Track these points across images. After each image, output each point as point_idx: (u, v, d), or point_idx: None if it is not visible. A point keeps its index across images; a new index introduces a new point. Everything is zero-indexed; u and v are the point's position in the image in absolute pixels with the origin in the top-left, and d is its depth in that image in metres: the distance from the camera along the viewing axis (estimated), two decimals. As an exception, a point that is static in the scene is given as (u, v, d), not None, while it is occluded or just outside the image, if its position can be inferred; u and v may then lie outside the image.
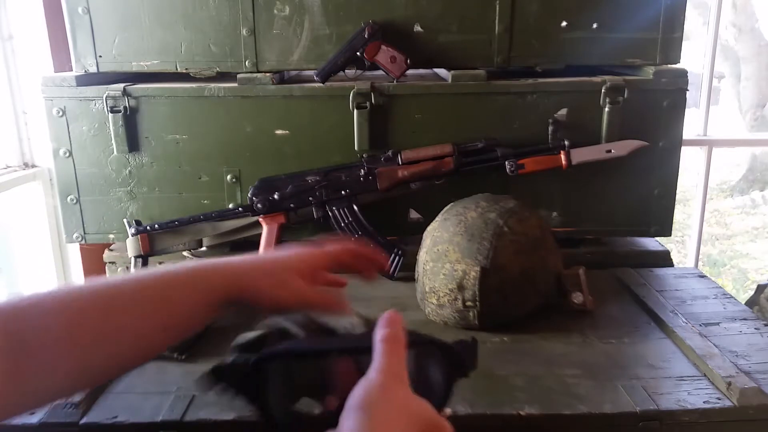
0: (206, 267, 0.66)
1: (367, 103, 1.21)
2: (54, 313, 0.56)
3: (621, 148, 1.21)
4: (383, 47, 1.21)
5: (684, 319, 1.01)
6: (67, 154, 1.25)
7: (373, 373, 0.55)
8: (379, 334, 0.56)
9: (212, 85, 1.23)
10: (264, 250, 1.19)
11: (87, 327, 0.57)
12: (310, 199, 1.19)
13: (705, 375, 0.86)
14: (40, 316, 0.55)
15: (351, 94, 1.21)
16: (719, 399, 0.81)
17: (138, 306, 0.60)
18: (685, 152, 1.32)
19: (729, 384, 0.81)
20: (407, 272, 1.15)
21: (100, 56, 1.25)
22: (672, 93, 1.23)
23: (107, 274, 1.31)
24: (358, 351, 0.58)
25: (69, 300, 0.58)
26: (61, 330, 0.55)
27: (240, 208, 1.20)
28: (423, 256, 1.06)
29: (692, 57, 1.99)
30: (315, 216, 1.20)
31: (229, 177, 1.27)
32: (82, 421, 0.78)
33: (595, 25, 1.23)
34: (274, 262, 0.68)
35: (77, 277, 1.51)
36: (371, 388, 0.54)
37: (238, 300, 0.65)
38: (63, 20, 1.23)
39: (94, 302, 0.59)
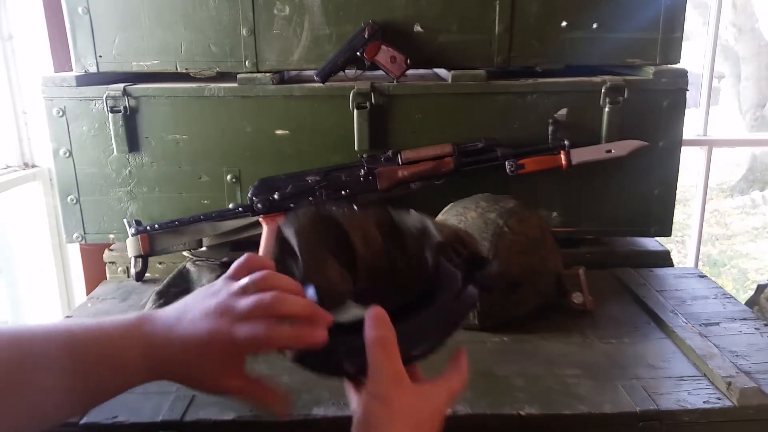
0: (125, 335, 0.58)
1: (367, 103, 1.21)
2: None
3: (621, 148, 1.21)
4: (383, 47, 1.21)
5: (684, 319, 1.01)
6: (67, 154, 1.25)
7: (370, 385, 0.55)
8: (368, 336, 0.55)
9: (212, 85, 1.23)
10: (263, 250, 1.19)
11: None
12: (310, 199, 1.19)
13: (705, 375, 0.86)
14: None
15: (351, 94, 1.21)
16: (719, 399, 0.81)
17: (50, 368, 0.55)
18: (685, 152, 1.32)
19: (729, 384, 0.81)
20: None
21: (100, 56, 1.25)
22: (672, 93, 1.23)
23: (107, 274, 1.31)
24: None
25: None
26: None
27: (240, 208, 1.20)
28: (423, 256, 1.05)
29: (692, 57, 1.99)
30: (315, 216, 1.20)
31: (229, 177, 1.27)
32: (82, 421, 0.78)
33: (595, 25, 1.23)
34: (202, 341, 0.56)
35: (77, 277, 1.51)
36: (371, 404, 0.54)
37: (164, 378, 0.58)
38: (63, 20, 1.23)
39: (8, 350, 0.54)
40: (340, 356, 0.57)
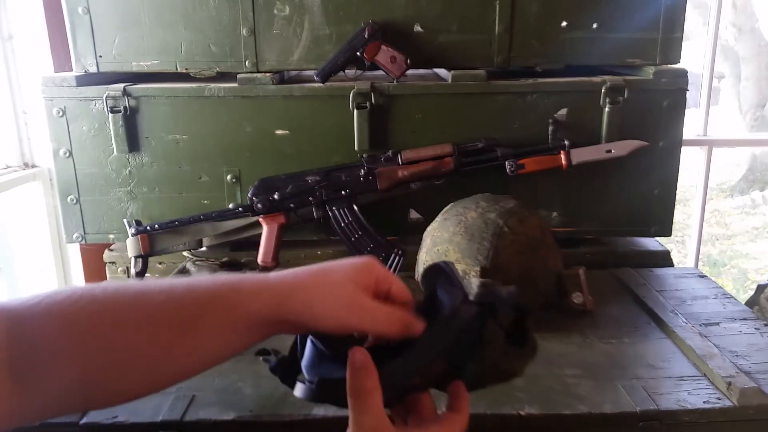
0: (248, 282, 0.54)
1: (367, 103, 1.21)
2: (62, 318, 0.49)
3: (621, 148, 1.21)
4: (383, 47, 1.21)
5: (684, 319, 1.01)
6: (67, 154, 1.25)
7: None
8: (348, 384, 0.51)
9: (212, 85, 1.23)
10: (263, 250, 1.19)
11: (96, 339, 0.50)
12: (310, 199, 1.19)
13: (705, 375, 0.86)
14: (50, 321, 0.49)
15: (351, 94, 1.21)
16: (719, 399, 0.81)
17: (160, 323, 0.52)
18: (685, 152, 1.32)
19: (729, 384, 0.81)
20: (407, 272, 1.15)
21: (100, 56, 1.25)
22: (672, 93, 1.23)
23: (107, 274, 1.31)
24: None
25: (82, 304, 0.50)
26: (69, 338, 0.49)
27: (240, 208, 1.20)
28: (423, 256, 1.06)
29: (692, 57, 1.99)
30: (315, 216, 1.20)
31: (229, 177, 1.27)
32: (82, 421, 0.78)
33: (595, 25, 1.23)
34: (331, 274, 0.55)
35: (77, 277, 1.51)
36: None
37: (288, 322, 0.54)
38: (63, 20, 1.23)
39: (107, 310, 0.51)
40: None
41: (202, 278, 0.56)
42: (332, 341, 0.57)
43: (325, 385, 0.54)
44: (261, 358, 0.60)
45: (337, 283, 0.54)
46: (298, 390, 0.55)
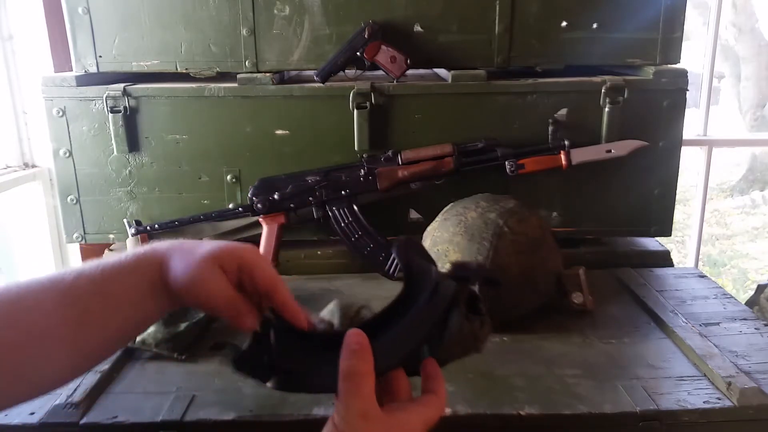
0: (147, 251, 0.60)
1: (367, 103, 1.21)
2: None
3: (621, 148, 1.21)
4: (383, 47, 1.21)
5: (684, 319, 1.01)
6: (67, 154, 1.25)
7: (337, 417, 0.52)
8: (341, 366, 0.53)
9: (212, 85, 1.23)
10: (263, 250, 1.19)
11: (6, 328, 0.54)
12: (310, 199, 1.19)
13: (705, 375, 0.86)
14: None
15: (351, 94, 1.21)
16: (719, 399, 0.81)
17: (70, 303, 0.56)
18: (685, 152, 1.32)
19: (729, 384, 0.81)
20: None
21: (100, 56, 1.25)
22: (672, 93, 1.23)
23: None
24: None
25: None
26: (58, 319, 0.54)
27: (240, 208, 1.20)
28: (423, 256, 1.05)
29: (692, 57, 1.99)
30: (315, 216, 1.20)
31: (229, 177, 1.27)
32: (82, 421, 0.78)
33: (595, 25, 1.23)
34: (197, 247, 0.60)
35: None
36: None
37: (167, 286, 0.59)
38: (63, 20, 1.23)
39: (20, 298, 0.55)
40: (313, 375, 0.56)
41: (115, 254, 0.61)
42: (295, 332, 0.59)
43: (294, 376, 0.56)
44: (218, 352, 0.61)
45: (197, 254, 0.59)
46: (273, 382, 0.56)
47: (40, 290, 0.56)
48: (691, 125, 1.55)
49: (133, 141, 1.24)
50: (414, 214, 1.29)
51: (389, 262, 1.19)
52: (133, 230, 1.19)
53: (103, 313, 0.57)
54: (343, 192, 1.20)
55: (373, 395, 0.53)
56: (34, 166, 1.48)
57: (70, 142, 1.25)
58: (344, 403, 0.52)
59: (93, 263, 0.59)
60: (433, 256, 1.02)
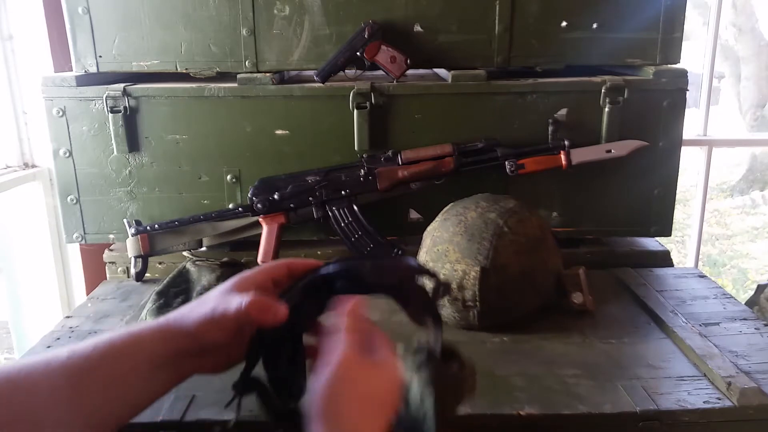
0: (146, 329, 0.62)
1: (367, 103, 1.21)
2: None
3: (621, 148, 1.21)
4: (383, 47, 1.21)
5: (684, 319, 1.01)
6: (67, 154, 1.25)
7: (330, 360, 0.56)
8: (340, 322, 0.59)
9: (212, 85, 1.23)
10: (263, 250, 1.19)
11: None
12: (310, 199, 1.19)
13: (705, 375, 0.86)
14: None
15: (351, 94, 1.21)
16: (719, 399, 0.81)
17: (62, 385, 0.56)
18: (685, 152, 1.32)
19: (729, 384, 0.81)
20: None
21: (100, 56, 1.25)
22: (672, 93, 1.23)
23: (107, 274, 1.31)
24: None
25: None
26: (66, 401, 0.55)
27: (240, 208, 1.20)
28: (423, 256, 1.06)
29: (692, 57, 1.99)
30: (315, 216, 1.20)
31: (229, 177, 1.27)
32: (82, 421, 0.78)
33: (595, 25, 1.23)
34: (205, 296, 0.64)
35: (77, 277, 1.51)
36: (329, 383, 0.55)
37: (183, 350, 0.62)
38: (63, 20, 1.23)
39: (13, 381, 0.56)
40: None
41: (108, 334, 0.61)
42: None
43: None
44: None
45: (205, 297, 0.63)
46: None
47: (34, 372, 0.57)
48: (691, 125, 1.55)
49: (133, 141, 1.24)
50: (414, 214, 1.29)
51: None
52: (133, 230, 1.19)
53: (99, 395, 0.58)
54: (343, 192, 1.20)
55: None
56: (34, 166, 1.47)
57: (70, 142, 1.25)
58: (343, 348, 0.57)
59: (90, 341, 0.60)
60: (433, 256, 1.02)
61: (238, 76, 1.24)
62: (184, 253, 1.23)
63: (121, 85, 1.22)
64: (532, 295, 1.01)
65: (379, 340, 0.61)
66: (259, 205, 1.19)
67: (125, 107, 1.22)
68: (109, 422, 0.59)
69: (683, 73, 1.22)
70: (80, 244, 1.42)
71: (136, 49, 1.24)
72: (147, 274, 1.24)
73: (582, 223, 1.29)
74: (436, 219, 1.08)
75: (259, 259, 1.19)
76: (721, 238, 5.36)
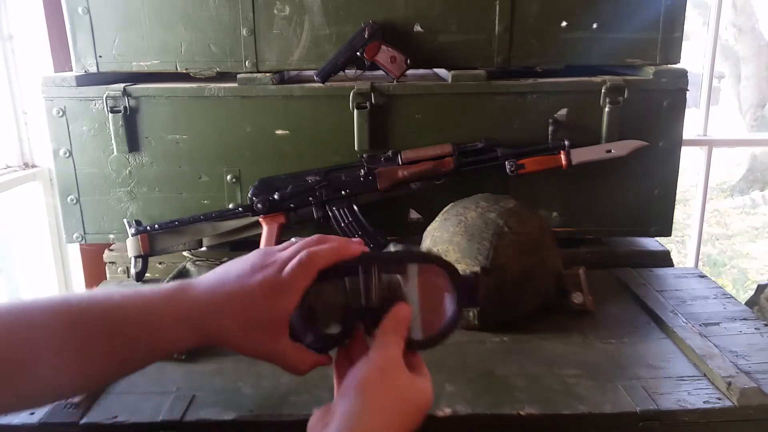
0: (169, 311, 0.57)
1: (367, 103, 1.21)
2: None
3: (621, 148, 1.21)
4: (383, 47, 1.21)
5: (684, 319, 1.01)
6: (67, 154, 1.25)
7: (374, 353, 0.57)
8: (386, 325, 0.59)
9: (212, 85, 1.23)
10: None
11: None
12: (310, 199, 1.19)
13: (705, 375, 0.86)
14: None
15: (351, 94, 1.21)
16: (719, 399, 0.81)
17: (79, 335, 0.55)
18: (685, 152, 1.32)
19: (729, 384, 0.81)
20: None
21: (100, 56, 1.25)
22: (672, 93, 1.23)
23: (107, 274, 1.31)
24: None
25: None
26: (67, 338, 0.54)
27: (240, 208, 1.20)
28: (423, 256, 1.05)
29: (692, 57, 1.99)
30: (315, 216, 1.20)
31: (229, 177, 1.27)
32: (82, 421, 0.78)
33: (595, 25, 1.23)
34: (246, 304, 0.58)
35: (77, 277, 1.51)
36: (371, 371, 0.55)
37: (200, 342, 0.58)
38: (63, 20, 1.23)
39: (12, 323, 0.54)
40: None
41: (129, 295, 0.58)
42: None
43: None
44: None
45: (249, 316, 0.57)
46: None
47: (48, 309, 0.55)
48: (691, 125, 1.55)
49: (133, 141, 1.24)
50: (414, 214, 1.29)
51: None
52: (133, 230, 1.19)
53: (109, 343, 0.56)
54: (343, 192, 1.20)
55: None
56: (34, 166, 1.48)
57: (70, 142, 1.25)
58: (386, 347, 0.57)
59: (105, 291, 0.59)
60: (433, 256, 1.02)
61: (238, 76, 1.24)
62: (184, 253, 1.23)
63: (121, 85, 1.22)
64: (532, 295, 1.01)
65: (419, 358, 0.62)
66: (259, 205, 1.19)
67: (125, 107, 1.22)
68: (119, 370, 0.59)
69: (683, 73, 1.22)
70: (80, 244, 1.42)
71: (136, 49, 1.24)
72: (147, 274, 1.24)
73: (582, 223, 1.29)
74: (436, 219, 1.08)
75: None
76: (721, 238, 5.36)
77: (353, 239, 0.64)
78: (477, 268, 0.95)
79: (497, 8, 1.22)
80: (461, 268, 0.97)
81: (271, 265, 0.59)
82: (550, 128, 1.21)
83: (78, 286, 1.50)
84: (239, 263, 0.61)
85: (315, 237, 0.63)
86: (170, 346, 0.58)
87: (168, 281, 1.11)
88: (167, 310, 0.57)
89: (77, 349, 0.55)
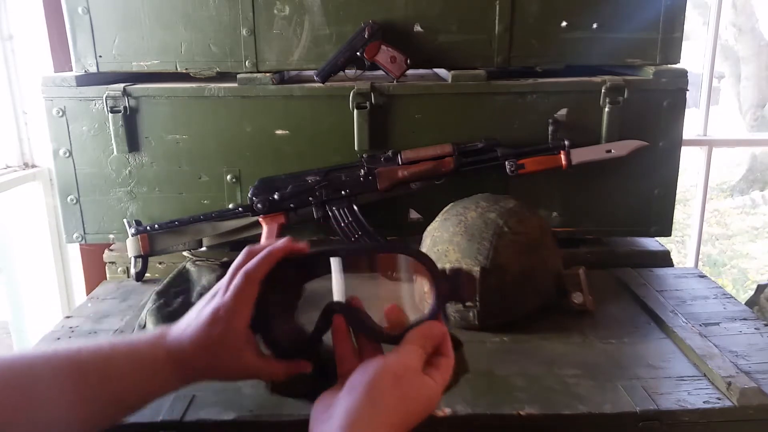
0: (152, 346, 0.64)
1: (367, 103, 1.21)
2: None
3: (621, 148, 1.21)
4: (383, 47, 1.21)
5: (684, 319, 1.01)
6: (67, 154, 1.25)
7: (392, 357, 0.58)
8: (415, 333, 0.60)
9: (212, 85, 1.23)
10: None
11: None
12: (310, 199, 1.19)
13: (705, 375, 0.86)
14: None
15: (351, 94, 1.21)
16: (719, 399, 0.81)
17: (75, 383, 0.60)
18: (685, 152, 1.32)
19: (729, 384, 0.81)
20: (407, 272, 1.15)
21: (100, 56, 1.25)
22: (672, 93, 1.23)
23: (107, 275, 1.31)
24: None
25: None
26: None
27: (240, 208, 1.20)
28: (423, 256, 1.05)
29: (692, 57, 1.99)
30: (315, 216, 1.20)
31: (229, 177, 1.27)
32: (82, 421, 0.78)
33: (595, 25, 1.23)
34: (205, 335, 0.64)
35: (77, 277, 1.51)
36: (385, 374, 0.56)
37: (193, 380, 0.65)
38: (63, 20, 1.23)
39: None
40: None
41: (117, 344, 0.64)
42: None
43: None
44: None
45: (222, 346, 0.63)
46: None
47: (41, 361, 0.60)
48: (691, 125, 1.55)
49: (133, 141, 1.24)
50: (414, 214, 1.29)
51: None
52: (133, 230, 1.19)
53: (101, 387, 0.61)
54: (343, 192, 1.20)
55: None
56: (34, 166, 1.47)
57: (70, 142, 1.25)
58: (407, 352, 0.59)
59: (99, 341, 0.64)
60: (433, 256, 1.02)
61: (238, 76, 1.24)
62: (184, 253, 1.23)
63: (121, 85, 1.22)
64: (532, 295, 1.01)
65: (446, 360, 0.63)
66: (259, 205, 1.19)
67: (125, 107, 1.22)
68: (114, 414, 0.63)
69: (683, 73, 1.22)
70: (80, 244, 1.42)
71: (136, 49, 1.24)
72: (147, 274, 1.24)
73: (582, 223, 1.29)
74: (436, 219, 1.08)
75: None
76: (721, 238, 5.36)
77: (282, 239, 0.67)
78: (477, 268, 0.95)
79: (497, 8, 1.22)
80: (462, 268, 0.97)
81: (218, 293, 0.65)
82: (550, 128, 1.21)
83: (78, 286, 1.50)
84: (202, 301, 0.67)
85: (244, 252, 0.67)
86: (159, 390, 0.65)
87: (168, 281, 1.11)
88: (151, 357, 0.63)
89: (76, 397, 0.59)
